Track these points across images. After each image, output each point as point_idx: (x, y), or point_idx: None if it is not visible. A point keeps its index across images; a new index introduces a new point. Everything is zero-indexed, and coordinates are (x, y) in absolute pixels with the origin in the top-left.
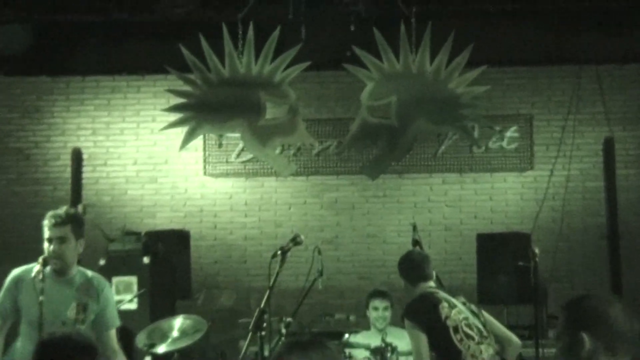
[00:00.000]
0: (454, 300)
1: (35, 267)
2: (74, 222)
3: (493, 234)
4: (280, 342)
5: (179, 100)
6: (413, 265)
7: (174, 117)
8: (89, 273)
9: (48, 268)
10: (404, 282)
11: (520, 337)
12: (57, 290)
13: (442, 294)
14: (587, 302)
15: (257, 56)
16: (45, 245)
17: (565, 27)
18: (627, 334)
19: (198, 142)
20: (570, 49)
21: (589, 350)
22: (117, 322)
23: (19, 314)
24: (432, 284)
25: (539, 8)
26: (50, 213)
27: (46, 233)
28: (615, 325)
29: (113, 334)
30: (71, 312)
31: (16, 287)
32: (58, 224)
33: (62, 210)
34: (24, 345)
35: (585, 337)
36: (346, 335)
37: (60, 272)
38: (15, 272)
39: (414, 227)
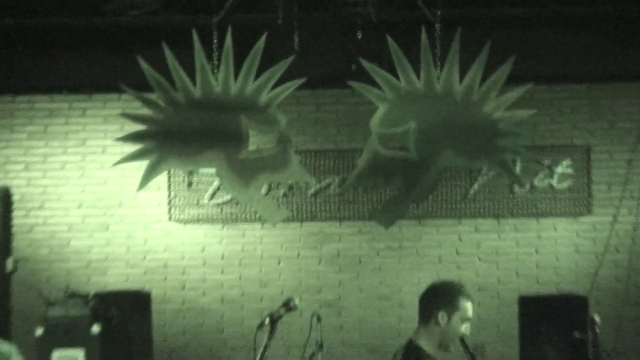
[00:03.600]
0: None
1: None
2: None
3: (540, 296)
4: None
5: (137, 127)
6: None
7: (130, 148)
8: None
9: None
10: None
11: None
12: None
13: None
14: None
15: (237, 71)
16: None
17: (632, 34)
18: None
19: (161, 179)
20: (638, 62)
21: None
22: None
23: None
24: None
25: (599, 12)
26: None
27: None
28: None
29: None
30: None
31: None
32: None
33: None
34: None
35: None
36: None
37: None
38: None
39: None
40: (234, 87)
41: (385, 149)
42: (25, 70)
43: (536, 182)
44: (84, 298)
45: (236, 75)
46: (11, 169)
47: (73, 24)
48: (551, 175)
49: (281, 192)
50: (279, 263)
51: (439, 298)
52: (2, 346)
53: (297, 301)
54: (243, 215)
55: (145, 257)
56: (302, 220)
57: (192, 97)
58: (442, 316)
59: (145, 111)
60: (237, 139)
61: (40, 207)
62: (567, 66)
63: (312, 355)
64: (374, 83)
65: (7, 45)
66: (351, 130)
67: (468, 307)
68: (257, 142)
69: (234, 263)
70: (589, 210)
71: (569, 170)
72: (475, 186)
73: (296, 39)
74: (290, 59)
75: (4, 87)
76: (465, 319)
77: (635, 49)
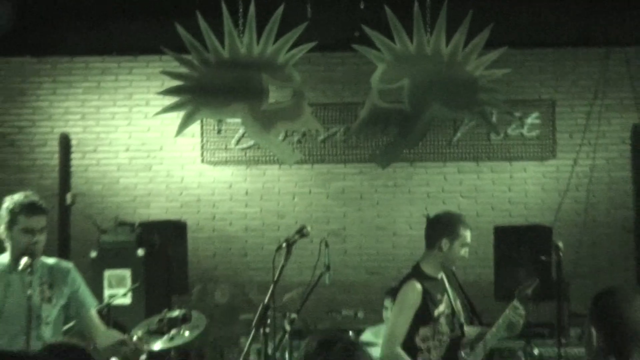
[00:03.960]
0: None
1: (22, 260)
2: (47, 211)
3: (512, 226)
4: (284, 339)
5: (175, 83)
6: None
7: (169, 100)
8: (49, 259)
9: (24, 260)
10: None
11: (541, 336)
12: (32, 281)
13: None
14: (606, 299)
15: (259, 36)
16: (24, 238)
17: (591, 6)
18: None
19: (195, 127)
20: (597, 30)
21: (597, 348)
22: (95, 303)
23: None
24: None
25: None
26: (21, 201)
27: (24, 224)
28: (630, 326)
29: (95, 314)
30: (38, 298)
31: None
32: (39, 212)
33: (34, 196)
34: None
35: (594, 333)
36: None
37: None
38: None
39: (427, 219)
40: (257, 49)
41: (383, 102)
42: (81, 35)
43: (509, 130)
44: (131, 226)
45: (258, 39)
46: (70, 119)
47: None
48: (522, 125)
49: (295, 138)
50: (293, 198)
51: (443, 227)
52: (63, 263)
53: (309, 229)
54: (264, 158)
55: (181, 193)
56: (312, 162)
57: (221, 57)
58: (445, 243)
59: (182, 69)
60: (259, 93)
61: (94, 151)
62: (537, 33)
63: (321, 275)
64: (374, 46)
65: (65, 14)
66: (354, 86)
67: (467, 234)
68: (275, 95)
69: (256, 198)
70: (553, 155)
71: (537, 121)
72: (458, 134)
73: (309, 8)
74: (304, 25)
75: (63, 50)
76: (464, 245)
77: (593, 20)
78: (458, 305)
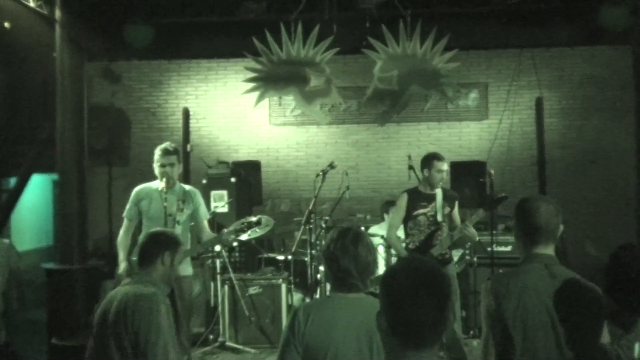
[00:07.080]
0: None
1: (160, 184)
2: (177, 153)
3: (461, 161)
4: (321, 233)
5: (253, 75)
6: None
7: (249, 85)
8: (186, 186)
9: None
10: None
11: (479, 229)
12: (168, 197)
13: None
14: (521, 201)
15: (304, 44)
16: (160, 169)
17: (510, 23)
18: (542, 227)
19: (265, 102)
20: (514, 38)
21: (516, 235)
22: (208, 216)
23: (140, 215)
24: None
25: (493, 10)
26: (161, 147)
27: (159, 161)
28: (532, 219)
29: (206, 223)
30: (174, 209)
31: (138, 198)
32: (170, 154)
33: (169, 144)
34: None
35: (515, 225)
36: (362, 228)
37: (169, 186)
38: (137, 188)
39: (409, 158)
40: (302, 53)
41: (381, 85)
42: (195, 46)
43: (460, 102)
44: (227, 164)
45: (304, 46)
46: (188, 98)
47: (220, 20)
48: (467, 98)
49: (327, 108)
50: (325, 145)
51: (423, 162)
52: (193, 189)
53: (335, 163)
54: (307, 120)
55: (257, 143)
56: (338, 123)
57: (281, 58)
58: (425, 172)
59: (257, 66)
60: (304, 80)
61: (203, 118)
62: (476, 40)
63: (343, 192)
64: (375, 50)
65: (185, 33)
66: (364, 75)
67: (438, 164)
68: (314, 81)
69: (302, 146)
70: (487, 117)
71: (476, 96)
72: (428, 104)
73: (334, 27)
74: (331, 37)
75: (184, 55)
76: (439, 172)
77: (512, 31)
78: (440, 210)
